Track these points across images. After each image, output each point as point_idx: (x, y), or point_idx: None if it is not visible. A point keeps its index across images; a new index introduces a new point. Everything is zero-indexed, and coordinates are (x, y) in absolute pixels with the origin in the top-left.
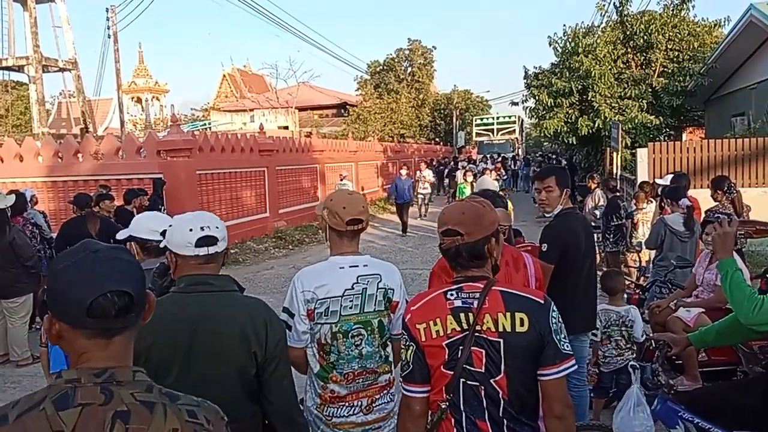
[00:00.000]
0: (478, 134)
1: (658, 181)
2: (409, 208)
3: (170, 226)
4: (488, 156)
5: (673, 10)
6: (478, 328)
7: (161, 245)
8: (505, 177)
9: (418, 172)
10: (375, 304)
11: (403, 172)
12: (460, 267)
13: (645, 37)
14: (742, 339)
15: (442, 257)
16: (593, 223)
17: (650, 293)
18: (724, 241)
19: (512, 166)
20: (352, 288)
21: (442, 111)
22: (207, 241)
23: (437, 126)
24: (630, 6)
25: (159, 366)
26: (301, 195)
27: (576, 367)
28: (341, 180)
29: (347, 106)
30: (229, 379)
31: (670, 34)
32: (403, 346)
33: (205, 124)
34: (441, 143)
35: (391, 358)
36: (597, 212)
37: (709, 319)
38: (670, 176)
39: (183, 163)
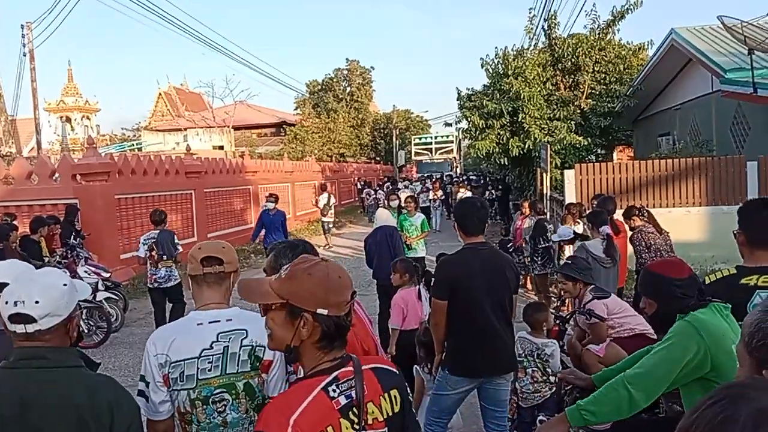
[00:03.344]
0: (417, 153)
1: (554, 238)
2: None
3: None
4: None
5: (599, 34)
6: (364, 423)
7: None
8: (440, 198)
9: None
10: (238, 365)
11: (270, 205)
12: (329, 345)
13: (573, 60)
14: None
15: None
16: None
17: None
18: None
19: (450, 189)
20: (211, 347)
21: (382, 130)
22: (21, 318)
23: (377, 145)
24: (558, 29)
25: None
26: (233, 218)
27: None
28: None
29: (286, 126)
30: None
31: (597, 56)
32: None
33: (133, 145)
34: (382, 162)
35: None
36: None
37: (618, 346)
38: (565, 228)
39: (100, 187)
